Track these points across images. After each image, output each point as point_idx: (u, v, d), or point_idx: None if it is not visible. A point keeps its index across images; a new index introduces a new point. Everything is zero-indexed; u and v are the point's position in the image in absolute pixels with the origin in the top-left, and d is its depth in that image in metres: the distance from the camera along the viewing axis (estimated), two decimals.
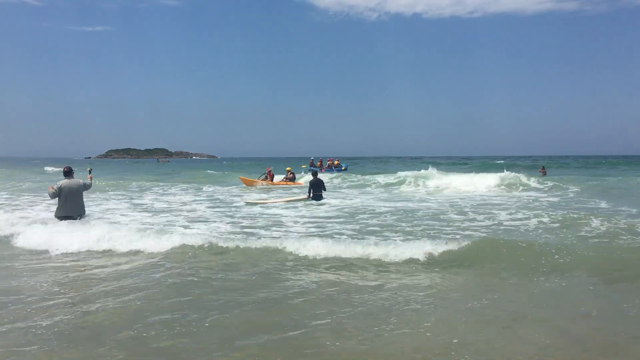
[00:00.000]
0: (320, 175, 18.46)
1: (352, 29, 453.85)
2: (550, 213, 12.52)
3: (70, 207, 10.88)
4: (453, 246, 7.90)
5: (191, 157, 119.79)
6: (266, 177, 26.18)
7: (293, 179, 26.46)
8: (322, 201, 16.59)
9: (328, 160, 46.85)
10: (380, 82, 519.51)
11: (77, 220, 10.87)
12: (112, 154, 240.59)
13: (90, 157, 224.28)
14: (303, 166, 44.86)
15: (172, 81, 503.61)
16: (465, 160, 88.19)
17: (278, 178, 27.07)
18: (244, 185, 26.21)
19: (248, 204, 16.54)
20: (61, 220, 10.78)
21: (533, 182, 23.44)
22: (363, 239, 9.46)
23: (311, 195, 16.74)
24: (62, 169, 11.28)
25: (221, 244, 8.73)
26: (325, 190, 17.18)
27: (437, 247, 7.82)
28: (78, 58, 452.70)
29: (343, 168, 43.82)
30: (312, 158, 48.69)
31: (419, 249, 7.75)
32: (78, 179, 11.22)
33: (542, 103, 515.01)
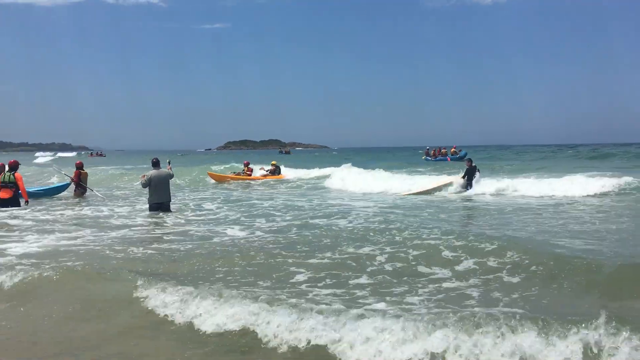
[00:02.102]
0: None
1: (467, 13, 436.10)
2: None
3: (160, 194, 11.81)
4: None
5: (295, 149, 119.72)
6: (243, 172, 24.23)
7: (275, 172, 24.43)
8: (470, 192, 16.07)
9: (443, 149, 45.48)
10: (499, 68, 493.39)
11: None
12: (230, 145, 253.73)
13: (210, 149, 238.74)
14: (423, 157, 43.72)
15: (286, 73, 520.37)
16: (602, 147, 78.74)
17: (261, 172, 24.80)
18: (214, 181, 23.56)
19: (404, 197, 16.04)
20: (153, 207, 11.76)
21: None
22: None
23: (466, 178, 16.47)
24: (151, 160, 12.06)
25: None
26: (479, 171, 16.83)
27: None
28: (199, 55, 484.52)
29: (458, 155, 42.19)
30: (427, 147, 47.91)
31: None
32: (164, 169, 12.05)
33: None
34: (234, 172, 25.38)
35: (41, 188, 16.94)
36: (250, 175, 24.01)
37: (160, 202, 11.76)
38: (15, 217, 10.90)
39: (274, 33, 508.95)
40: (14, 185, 12.12)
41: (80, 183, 15.89)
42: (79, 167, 16.17)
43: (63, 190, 16.31)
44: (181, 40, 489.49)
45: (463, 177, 16.58)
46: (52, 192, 16.13)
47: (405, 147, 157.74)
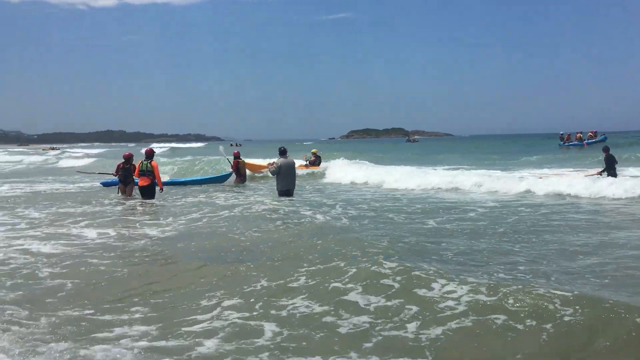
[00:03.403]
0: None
1: None
2: None
3: (289, 181, 12.61)
4: None
5: (417, 137, 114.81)
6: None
7: (315, 163, 22.37)
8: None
9: (578, 133, 42.77)
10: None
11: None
12: (353, 134, 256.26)
13: (333, 138, 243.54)
14: (560, 146, 41.35)
15: (409, 61, 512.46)
16: None
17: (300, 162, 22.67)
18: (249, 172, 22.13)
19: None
20: (282, 193, 12.47)
21: None
22: None
23: (606, 173, 14.55)
24: (278, 149, 12.84)
25: None
26: (617, 163, 15.22)
27: None
28: (322, 45, 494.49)
29: (594, 140, 39.32)
30: (561, 133, 45.58)
31: None
32: (291, 157, 12.83)
33: None
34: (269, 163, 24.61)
35: (206, 177, 19.04)
36: None
37: (288, 189, 12.50)
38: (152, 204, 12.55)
39: (397, 21, 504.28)
40: (151, 173, 12.67)
41: (239, 172, 17.51)
42: (236, 156, 17.86)
43: (226, 179, 18.05)
44: (305, 31, 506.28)
45: (602, 172, 14.65)
46: (215, 181, 18.00)
47: (534, 134, 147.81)
